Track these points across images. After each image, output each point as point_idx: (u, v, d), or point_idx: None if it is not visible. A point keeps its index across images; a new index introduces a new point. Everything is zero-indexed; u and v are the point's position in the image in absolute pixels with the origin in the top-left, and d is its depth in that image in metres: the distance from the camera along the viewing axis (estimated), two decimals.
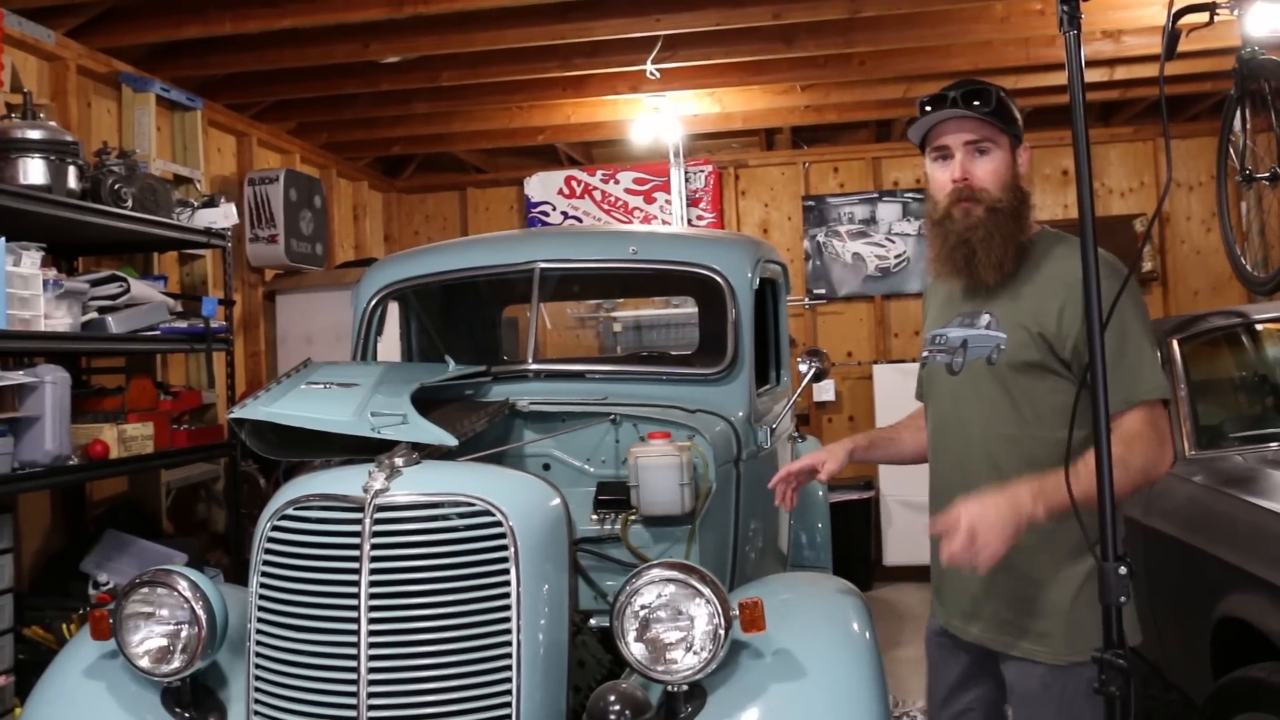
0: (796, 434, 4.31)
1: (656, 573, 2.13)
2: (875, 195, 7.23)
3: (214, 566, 4.34)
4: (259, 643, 2.13)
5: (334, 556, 2.08)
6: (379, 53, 4.85)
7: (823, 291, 7.23)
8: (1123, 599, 1.61)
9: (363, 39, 4.74)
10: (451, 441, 2.41)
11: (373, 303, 3.70)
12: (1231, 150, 3.85)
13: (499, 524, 2.09)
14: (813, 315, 7.28)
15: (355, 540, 2.06)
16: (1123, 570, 1.58)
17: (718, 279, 3.43)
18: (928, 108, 2.14)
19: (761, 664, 2.17)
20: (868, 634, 2.30)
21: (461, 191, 7.88)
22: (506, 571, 2.07)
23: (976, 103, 2.08)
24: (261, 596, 2.15)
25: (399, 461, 2.18)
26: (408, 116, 6.26)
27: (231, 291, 4.55)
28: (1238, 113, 3.85)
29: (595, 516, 2.80)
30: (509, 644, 2.05)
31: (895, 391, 6.69)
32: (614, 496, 2.83)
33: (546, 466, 3.07)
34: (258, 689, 2.11)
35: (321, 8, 4.28)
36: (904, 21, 4.80)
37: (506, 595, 2.06)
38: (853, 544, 6.48)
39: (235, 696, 2.32)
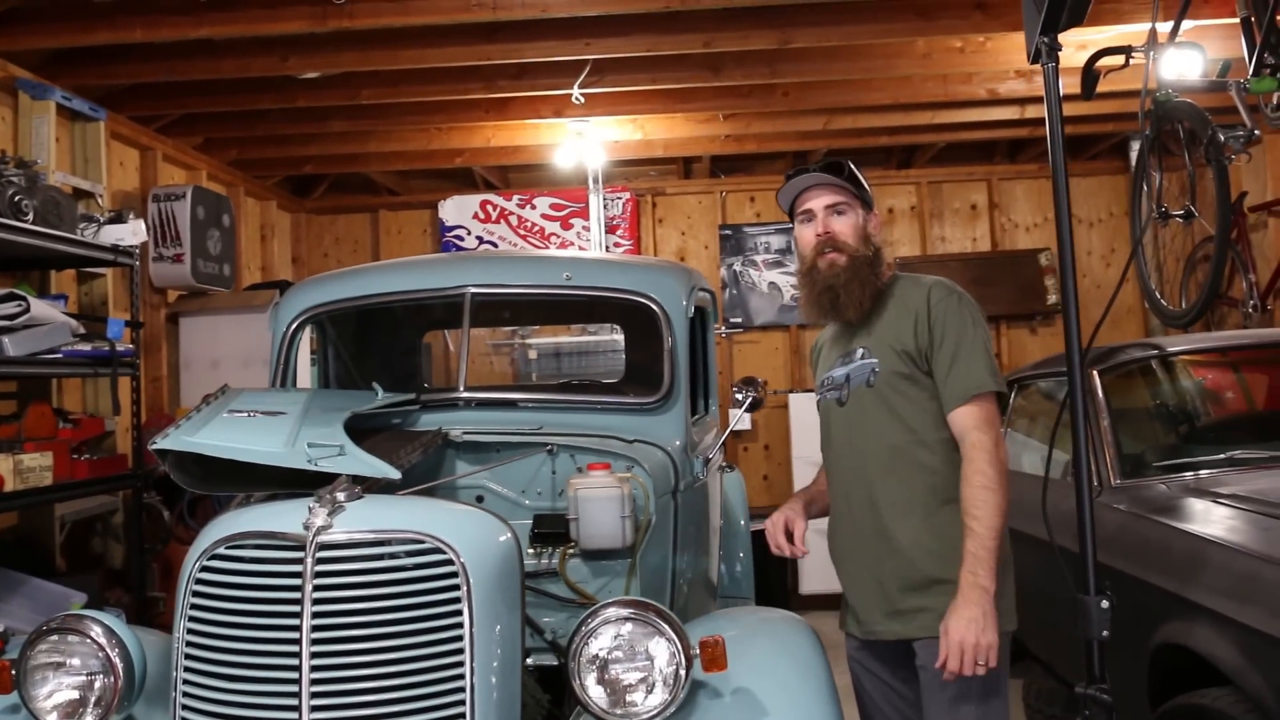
0: (725, 464, 4.27)
1: (613, 611, 2.05)
2: (791, 225, 7.27)
3: (114, 605, 4.07)
4: (187, 694, 1.96)
5: (272, 600, 1.93)
6: (298, 67, 4.68)
7: (739, 320, 7.25)
8: (1104, 633, 1.59)
9: (281, 52, 4.56)
10: (395, 474, 2.28)
11: (293, 326, 3.53)
12: (1146, 188, 3.96)
13: (450, 562, 1.98)
14: (729, 344, 7.28)
15: (295, 581, 1.91)
16: (1105, 604, 1.56)
17: (653, 306, 3.38)
18: (794, 177, 2.58)
19: (720, 704, 2.11)
20: (823, 668, 2.26)
21: (373, 214, 7.68)
22: (459, 613, 1.96)
23: (833, 174, 2.52)
24: (189, 644, 1.98)
25: (340, 496, 2.04)
26: (322, 135, 6.07)
27: (139, 313, 4.29)
28: (1151, 153, 3.97)
29: (532, 550, 2.70)
30: (462, 689, 1.93)
31: (810, 420, 6.64)
32: (551, 530, 2.73)
33: (480, 499, 2.95)
34: None
35: (241, 18, 4.10)
36: (829, 54, 4.85)
37: (460, 638, 1.95)
38: (769, 573, 6.46)
39: None
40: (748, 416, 7.13)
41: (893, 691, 2.53)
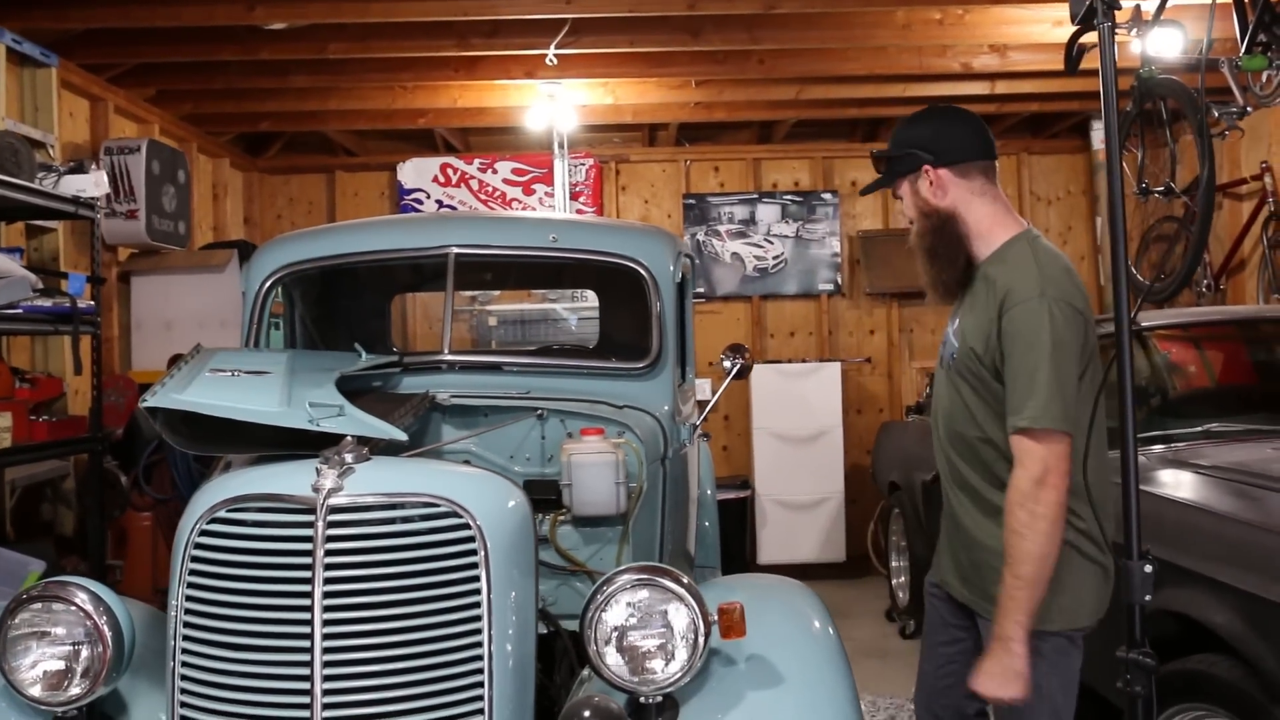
0: (703, 433, 4.23)
1: (630, 577, 1.99)
2: (755, 196, 7.25)
3: (71, 574, 3.89)
4: (187, 664, 1.86)
5: (280, 565, 1.84)
6: (264, 17, 4.49)
7: (702, 290, 7.19)
8: (1147, 597, 1.57)
9: (248, 1, 4.36)
10: (402, 436, 2.19)
11: (267, 285, 3.40)
12: (1126, 165, 3.98)
13: (466, 526, 1.90)
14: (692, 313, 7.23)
15: (306, 546, 1.82)
16: (1148, 569, 1.54)
17: (641, 270, 3.32)
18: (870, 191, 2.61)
19: (734, 671, 2.07)
20: (834, 634, 2.23)
21: (329, 174, 7.46)
22: (477, 579, 1.89)
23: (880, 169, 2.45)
24: (189, 611, 1.88)
25: (349, 457, 1.95)
26: (282, 90, 5.85)
27: (99, 269, 4.09)
28: (1133, 129, 3.99)
29: None
30: (480, 657, 1.86)
31: (771, 391, 6.73)
32: (541, 496, 2.67)
33: (467, 463, 2.89)
34: (186, 718, 1.84)
35: None
36: (810, 21, 4.79)
37: (477, 604, 1.88)
38: (729, 543, 6.46)
39: None
40: (707, 385, 7.10)
41: (953, 627, 2.47)
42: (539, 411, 2.82)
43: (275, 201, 7.51)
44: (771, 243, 7.23)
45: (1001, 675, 2.10)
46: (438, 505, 1.90)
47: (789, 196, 7.24)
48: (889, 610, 5.83)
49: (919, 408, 5.81)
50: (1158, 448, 3.44)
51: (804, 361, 6.93)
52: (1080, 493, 2.15)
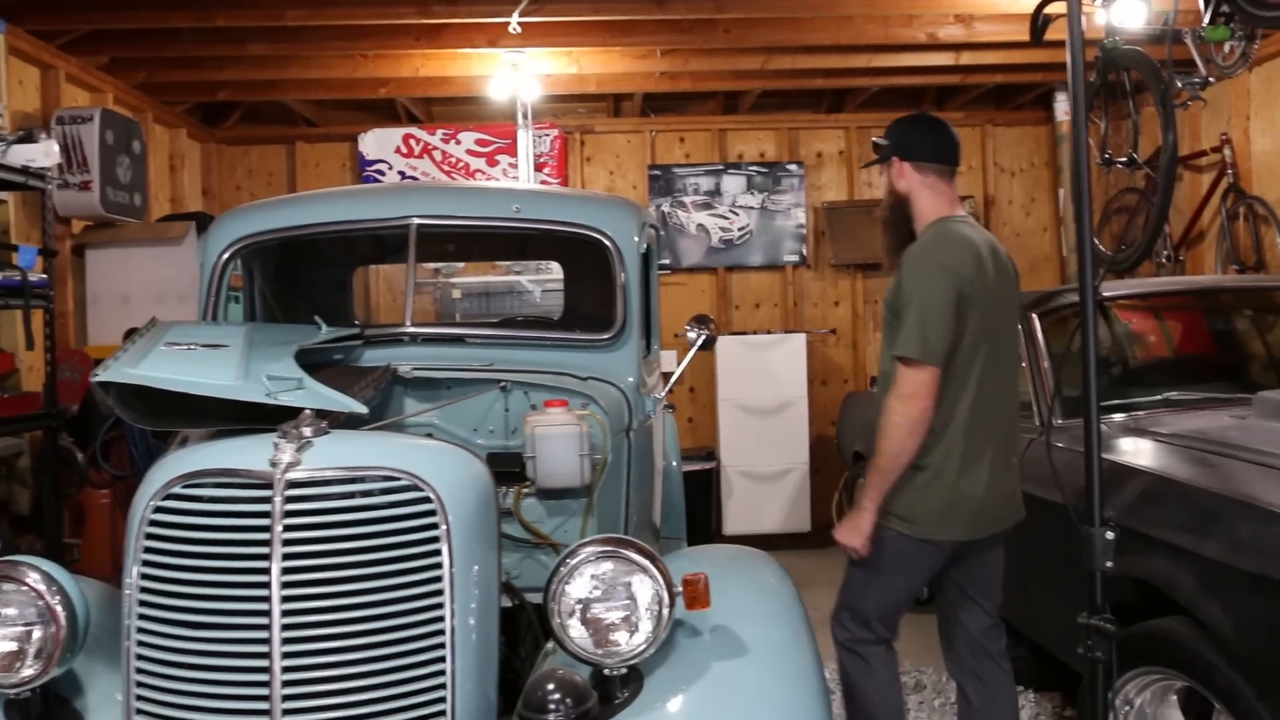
0: (668, 404, 4.22)
1: (593, 549, 1.98)
2: (720, 167, 7.22)
3: (26, 553, 3.82)
4: (143, 643, 1.82)
5: (237, 541, 1.80)
6: None
7: (667, 261, 7.16)
8: (1108, 564, 1.58)
9: None
10: (362, 409, 2.15)
11: (224, 257, 3.34)
12: (1090, 136, 3.99)
13: (428, 499, 1.87)
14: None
15: (264, 522, 1.79)
16: (1109, 535, 1.54)
17: (606, 241, 3.30)
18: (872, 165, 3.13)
19: (699, 642, 2.07)
20: (798, 604, 2.24)
21: (289, 145, 7.33)
22: (438, 553, 1.86)
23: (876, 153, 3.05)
24: (144, 590, 1.84)
25: (307, 431, 1.91)
26: (239, 58, 5.72)
27: (52, 240, 3.99)
28: (1097, 100, 3.99)
29: None
30: (442, 632, 1.84)
31: (736, 363, 6.72)
32: (505, 468, 2.63)
33: (429, 436, 2.86)
34: (142, 697, 1.81)
35: None
36: None
37: (439, 579, 1.85)
38: (694, 514, 6.47)
39: (95, 706, 2.00)
40: (672, 356, 7.08)
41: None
42: (502, 384, 2.80)
43: (234, 173, 7.37)
44: (737, 214, 7.21)
45: (850, 529, 2.78)
46: (398, 478, 1.87)
47: (754, 168, 7.21)
48: None
49: None
50: (1118, 416, 3.47)
51: (769, 333, 6.93)
52: (941, 427, 2.70)
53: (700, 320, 3.46)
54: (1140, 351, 4.29)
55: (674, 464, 5.25)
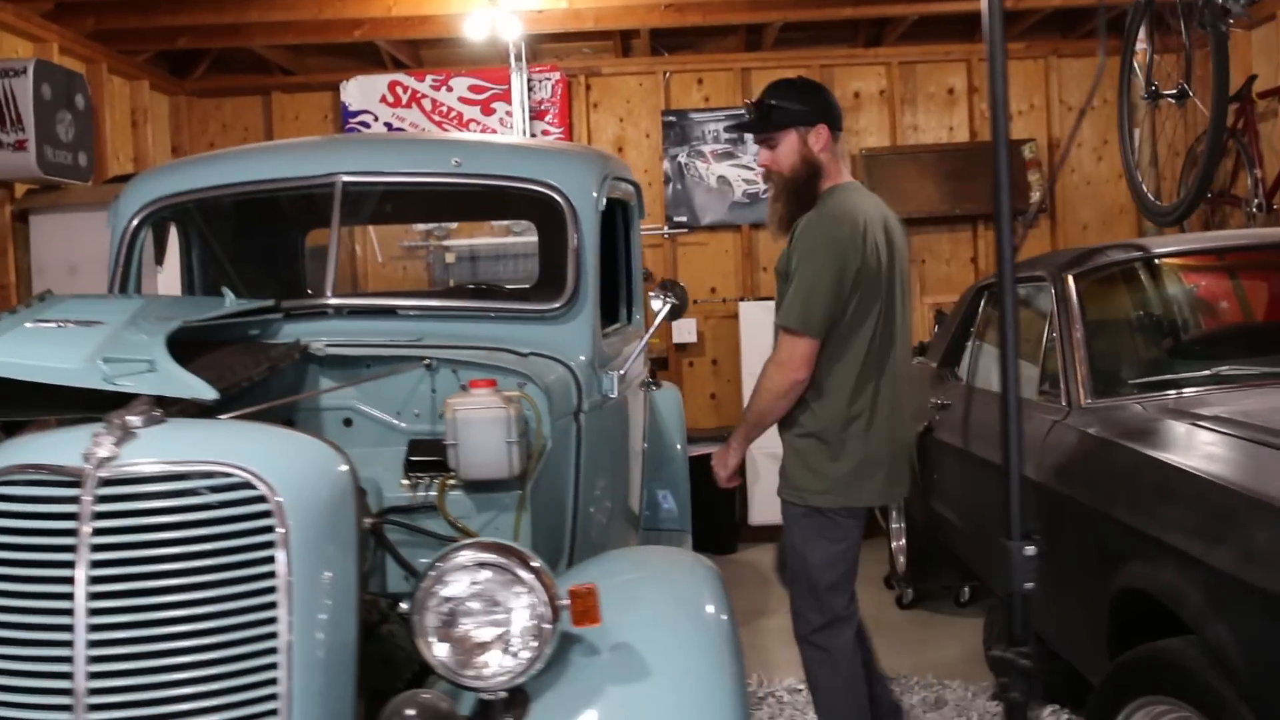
0: (651, 380, 4.12)
1: (467, 555, 1.90)
2: (744, 112, 7.02)
3: None
4: None
5: (42, 546, 1.75)
6: None
7: (684, 219, 7.03)
8: (1027, 585, 1.45)
9: None
10: (209, 395, 2.09)
11: (134, 223, 3.34)
12: (1136, 66, 3.77)
13: (262, 499, 1.80)
14: (672, 245, 7.08)
15: (70, 525, 1.73)
16: (1029, 550, 1.42)
17: (556, 198, 3.23)
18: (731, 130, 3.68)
19: (597, 661, 2.00)
20: (723, 617, 2.16)
21: (266, 96, 7.33)
22: (271, 559, 1.79)
23: (747, 130, 3.43)
24: None
25: (134, 420, 1.85)
26: (195, 0, 5.70)
27: None
28: (1142, 26, 3.77)
29: (406, 481, 2.57)
30: (275, 650, 1.77)
31: (763, 331, 6.52)
32: (429, 457, 2.59)
33: (348, 422, 2.82)
34: None
35: None
36: None
37: (271, 590, 1.78)
38: (713, 502, 6.36)
39: None
40: (693, 326, 6.96)
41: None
42: (427, 361, 2.74)
43: (207, 128, 7.39)
44: None
45: (719, 459, 3.35)
46: (230, 475, 1.80)
47: None
48: (887, 576, 5.74)
49: (922, 348, 5.66)
50: (1169, 394, 3.29)
51: None
52: (834, 397, 3.09)
53: (667, 286, 3.35)
54: (1202, 318, 4.07)
55: (678, 447, 5.18)
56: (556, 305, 3.16)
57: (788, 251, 3.12)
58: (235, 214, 3.71)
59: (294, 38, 6.52)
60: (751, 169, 7.04)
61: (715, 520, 6.27)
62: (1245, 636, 2.06)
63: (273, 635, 1.77)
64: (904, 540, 5.48)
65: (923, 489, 4.80)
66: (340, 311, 3.07)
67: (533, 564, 1.89)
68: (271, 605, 1.78)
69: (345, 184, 3.19)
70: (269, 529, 1.80)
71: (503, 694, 1.88)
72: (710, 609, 2.17)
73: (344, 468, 2.01)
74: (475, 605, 1.89)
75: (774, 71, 7.06)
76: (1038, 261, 4.16)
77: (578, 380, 3.02)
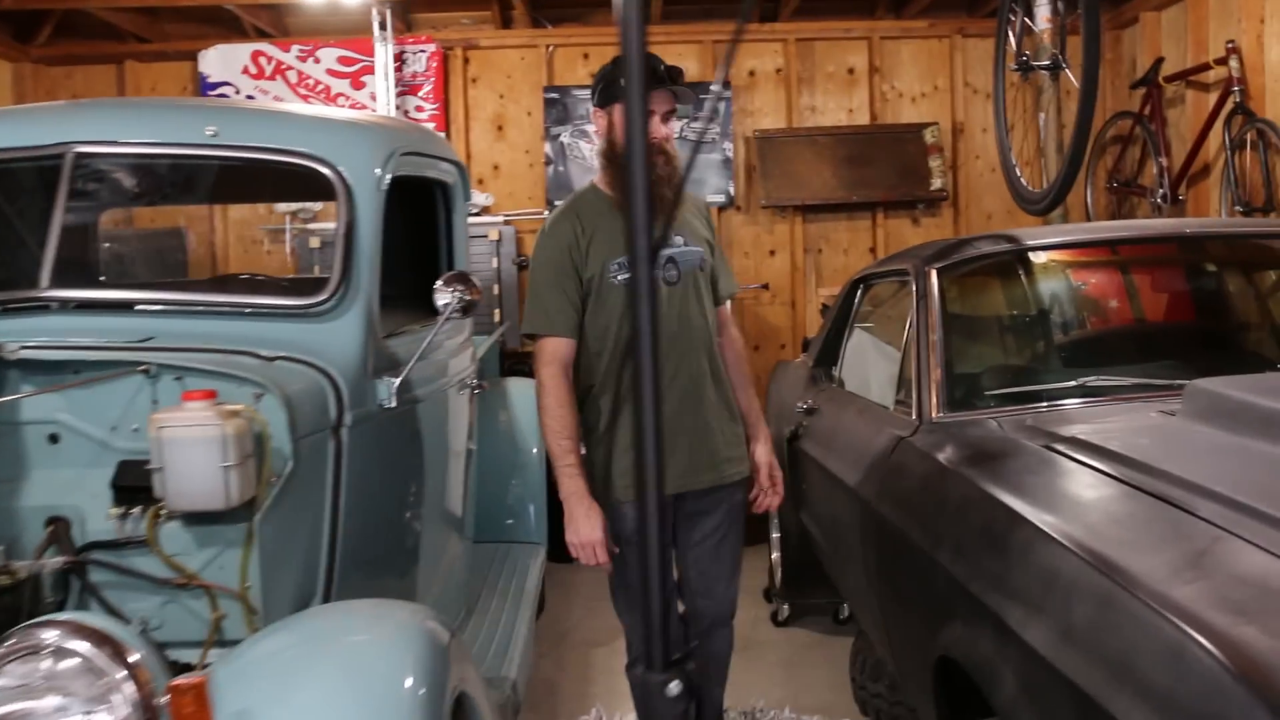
0: (474, 384, 3.63)
1: (36, 637, 1.44)
2: None
3: None
4: None
5: None
6: None
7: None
8: None
9: None
10: None
11: None
12: (1010, 34, 3.34)
13: None
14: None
15: None
16: (672, 689, 0.96)
17: (325, 172, 2.78)
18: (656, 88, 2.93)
19: None
20: (420, 694, 1.72)
21: (119, 65, 6.74)
22: None
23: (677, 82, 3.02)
24: None
25: None
26: None
27: None
28: None
29: (115, 511, 2.24)
30: None
31: None
32: (139, 483, 2.19)
33: (54, 438, 2.35)
34: None
35: None
36: None
37: None
38: None
39: None
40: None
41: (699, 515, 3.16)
42: (144, 366, 2.31)
43: (56, 97, 6.76)
44: None
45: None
46: None
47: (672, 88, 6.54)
48: (766, 589, 5.31)
49: (806, 345, 5.24)
50: (1031, 408, 2.83)
51: None
52: (598, 396, 2.96)
53: (456, 280, 2.83)
54: (1085, 320, 3.65)
55: (534, 451, 4.79)
56: (318, 300, 2.69)
57: (707, 224, 3.13)
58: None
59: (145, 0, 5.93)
60: None
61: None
62: None
63: None
64: (779, 553, 5.07)
65: (793, 500, 4.36)
66: (65, 306, 2.64)
67: (120, 650, 1.42)
68: None
69: (78, 154, 2.77)
70: None
71: None
72: (397, 694, 1.71)
73: None
74: (31, 707, 1.42)
75: (664, 46, 6.58)
76: (906, 254, 3.72)
77: (338, 389, 2.57)
